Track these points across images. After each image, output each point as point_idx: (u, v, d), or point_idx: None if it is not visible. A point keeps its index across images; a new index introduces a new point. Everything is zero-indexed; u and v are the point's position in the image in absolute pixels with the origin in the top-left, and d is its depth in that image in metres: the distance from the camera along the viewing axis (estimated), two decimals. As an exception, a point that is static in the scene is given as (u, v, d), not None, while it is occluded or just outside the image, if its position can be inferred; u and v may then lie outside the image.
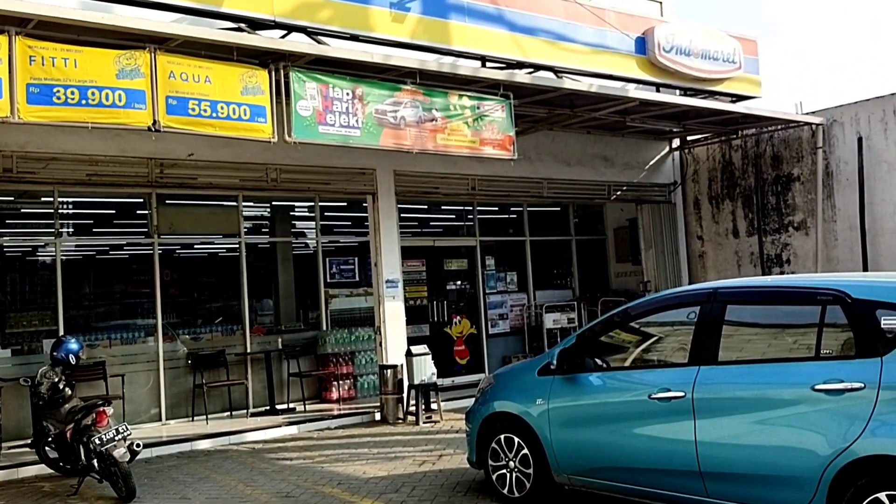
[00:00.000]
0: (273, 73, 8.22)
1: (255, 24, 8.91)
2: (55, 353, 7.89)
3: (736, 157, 14.79)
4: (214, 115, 7.81)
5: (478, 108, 9.69)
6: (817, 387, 4.66)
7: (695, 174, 15.41)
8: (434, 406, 10.62)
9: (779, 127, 13.87)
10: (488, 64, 10.66)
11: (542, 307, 14.13)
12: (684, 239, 15.51)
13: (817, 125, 13.36)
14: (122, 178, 10.08)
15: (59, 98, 6.87)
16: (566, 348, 6.10)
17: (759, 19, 39.20)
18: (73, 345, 7.99)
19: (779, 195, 14.14)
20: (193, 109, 7.68)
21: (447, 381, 12.44)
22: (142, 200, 10.82)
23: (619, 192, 14.72)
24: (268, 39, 8.52)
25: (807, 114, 13.50)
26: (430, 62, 9.58)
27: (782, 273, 13.81)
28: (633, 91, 11.93)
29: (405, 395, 10.63)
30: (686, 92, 13.18)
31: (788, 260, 14.00)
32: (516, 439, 6.36)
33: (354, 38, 9.53)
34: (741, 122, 13.90)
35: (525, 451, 6.28)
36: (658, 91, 12.65)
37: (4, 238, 10.78)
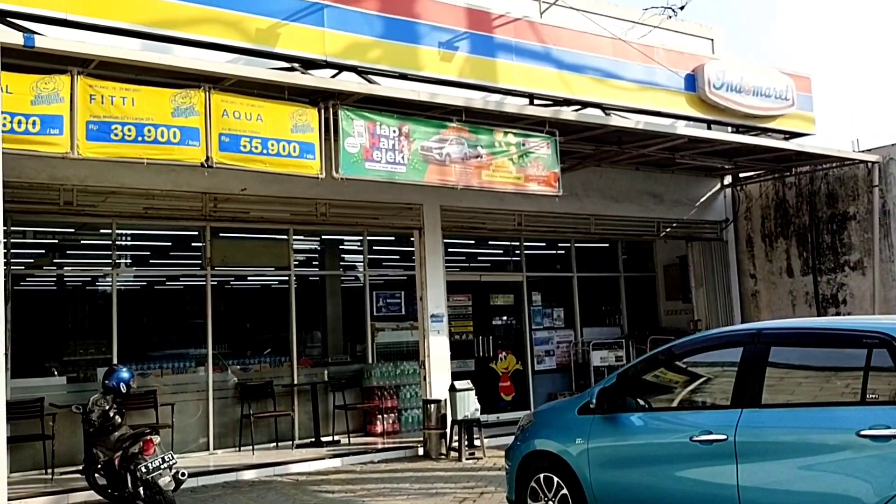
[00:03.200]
0: (322, 112, 8.44)
1: (308, 64, 9.15)
2: (107, 382, 8.10)
3: (790, 194, 14.54)
4: (265, 151, 8.04)
5: (523, 144, 9.76)
6: (863, 432, 4.53)
7: (747, 211, 15.18)
8: (477, 442, 10.56)
9: (833, 164, 13.63)
10: (535, 101, 10.75)
11: (590, 344, 14.01)
12: (737, 277, 15.25)
13: (873, 163, 13.08)
14: (178, 212, 10.38)
15: (116, 135, 7.16)
16: (606, 387, 6.04)
17: (819, 56, 38.69)
18: (125, 373, 8.20)
19: (834, 234, 13.84)
20: (245, 146, 7.92)
21: (492, 418, 12.38)
22: (196, 233, 11.13)
23: (668, 229, 14.58)
24: (318, 79, 8.75)
25: (862, 151, 13.24)
26: (476, 100, 9.71)
27: (838, 314, 13.45)
28: (682, 128, 11.86)
29: (448, 430, 10.61)
30: (738, 129, 13.06)
31: (844, 300, 13.64)
32: (555, 479, 6.28)
33: (403, 76, 9.72)
34: (795, 160, 13.69)
35: (564, 490, 6.20)
36: (709, 128, 12.57)
37: (65, 268, 11.19)
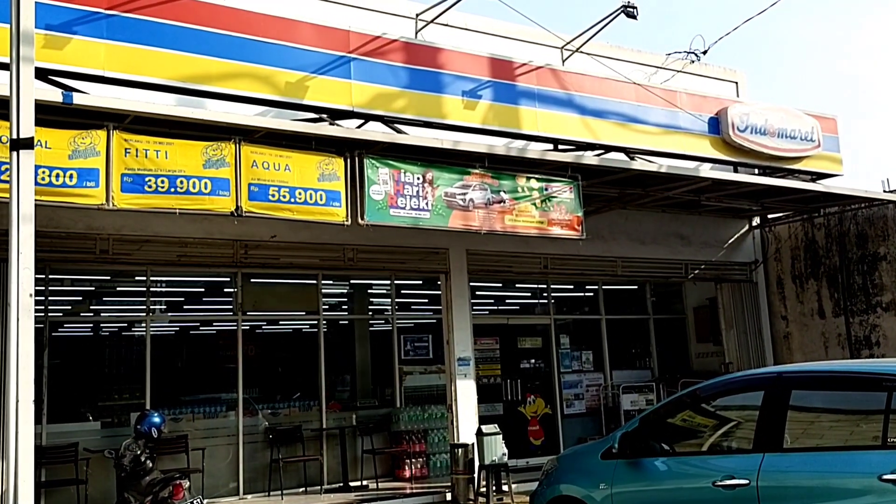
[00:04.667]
0: (348, 161, 8.67)
1: (335, 114, 9.42)
2: (139, 427, 8.28)
3: (819, 235, 14.46)
4: (293, 200, 8.28)
5: (545, 189, 9.90)
6: (885, 477, 4.51)
7: (777, 253, 15.09)
8: (505, 487, 10.52)
9: (862, 205, 13.54)
10: (560, 146, 10.90)
11: (620, 388, 13.91)
12: (768, 319, 15.10)
13: (902, 203, 13.00)
14: (210, 259, 10.63)
15: (150, 186, 7.45)
16: (628, 431, 6.06)
17: (847, 96, 38.52)
18: (156, 418, 8.37)
19: (865, 275, 13.69)
20: (273, 195, 8.17)
21: (521, 462, 12.29)
22: (228, 279, 11.36)
23: (696, 271, 14.53)
24: (344, 130, 8.99)
25: (891, 191, 13.16)
26: (499, 147, 9.89)
27: (872, 356, 13.25)
28: (706, 171, 11.92)
29: (476, 475, 10.59)
30: (764, 171, 13.07)
31: (878, 342, 13.44)
32: (579, 524, 6.27)
33: (428, 124, 9.94)
34: (823, 201, 13.63)
35: (589, 536, 6.18)
36: (735, 170, 12.60)
37: (101, 315, 11.48)
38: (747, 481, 5.12)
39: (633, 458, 5.95)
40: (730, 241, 14.92)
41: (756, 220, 15.20)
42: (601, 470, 6.17)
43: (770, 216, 15.01)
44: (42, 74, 7.54)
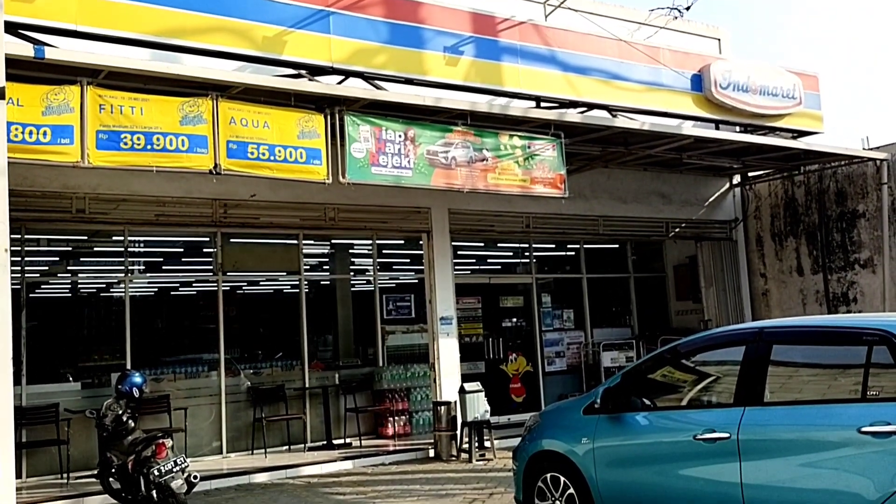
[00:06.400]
0: (329, 118, 8.54)
1: (314, 70, 9.25)
2: (120, 387, 8.21)
3: (799, 193, 14.53)
4: (272, 158, 8.15)
5: (528, 147, 9.83)
6: (864, 429, 4.56)
7: (756, 211, 15.17)
8: (487, 444, 10.62)
9: (842, 163, 13.60)
10: (542, 104, 10.80)
11: (600, 345, 14.03)
12: (747, 277, 15.23)
13: (882, 161, 13.04)
14: (189, 219, 10.51)
15: (126, 143, 7.30)
16: (611, 387, 6.09)
17: (829, 53, 38.50)
18: (137, 378, 8.31)
19: (844, 232, 13.81)
20: (252, 153, 8.04)
21: (503, 419, 12.42)
22: (207, 239, 11.25)
23: (677, 230, 14.58)
24: (324, 86, 8.84)
25: (871, 149, 13.21)
26: (481, 104, 9.78)
27: (849, 312, 13.41)
28: (688, 128, 11.88)
29: (459, 432, 10.68)
30: (745, 128, 13.05)
31: (855, 298, 13.60)
32: (562, 479, 6.32)
33: (409, 81, 9.79)
34: (803, 158, 13.67)
35: (571, 490, 6.23)
36: (717, 128, 12.57)
37: (79, 276, 11.34)
38: (728, 434, 5.17)
39: (615, 413, 5.99)
40: (710, 200, 14.97)
41: (737, 179, 15.24)
42: (583, 425, 6.22)
43: (750, 174, 15.05)
44: (12, 28, 7.31)
